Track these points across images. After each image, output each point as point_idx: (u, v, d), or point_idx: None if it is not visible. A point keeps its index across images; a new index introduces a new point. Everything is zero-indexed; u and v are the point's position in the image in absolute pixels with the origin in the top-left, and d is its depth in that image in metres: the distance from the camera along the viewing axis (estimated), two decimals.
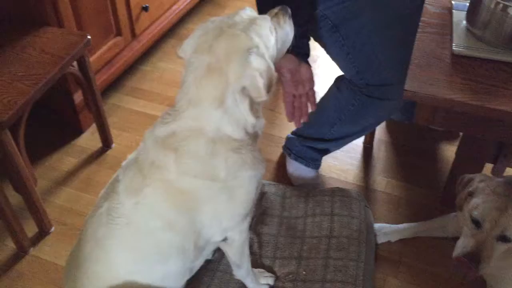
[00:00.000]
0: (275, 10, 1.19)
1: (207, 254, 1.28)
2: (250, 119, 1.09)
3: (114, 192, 1.13)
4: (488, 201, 1.21)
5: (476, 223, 1.22)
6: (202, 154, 1.07)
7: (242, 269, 1.36)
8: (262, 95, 1.04)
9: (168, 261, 1.16)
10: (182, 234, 1.14)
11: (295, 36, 1.30)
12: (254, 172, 1.15)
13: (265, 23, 1.10)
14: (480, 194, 1.24)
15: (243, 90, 1.04)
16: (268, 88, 1.06)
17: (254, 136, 1.15)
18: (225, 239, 1.24)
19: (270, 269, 1.49)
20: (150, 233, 1.12)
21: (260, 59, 1.04)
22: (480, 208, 1.21)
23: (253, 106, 1.08)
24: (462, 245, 1.24)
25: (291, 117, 1.50)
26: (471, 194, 1.27)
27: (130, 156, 1.18)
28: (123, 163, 1.19)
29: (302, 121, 1.50)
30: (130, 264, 1.14)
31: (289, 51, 1.35)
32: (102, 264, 1.13)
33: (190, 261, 1.21)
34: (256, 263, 1.50)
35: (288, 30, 1.19)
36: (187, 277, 1.26)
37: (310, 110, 1.50)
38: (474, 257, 1.20)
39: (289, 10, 1.20)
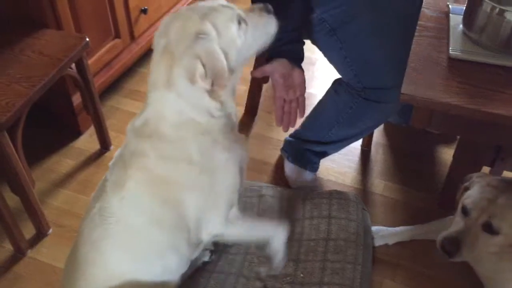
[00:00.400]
0: (254, 5, 1.18)
1: (202, 248, 1.27)
2: (209, 101, 1.08)
3: (104, 191, 1.14)
4: (480, 192, 1.23)
5: (465, 211, 1.24)
6: (172, 138, 1.09)
7: (267, 233, 1.31)
8: (194, 81, 1.03)
9: (164, 257, 1.16)
10: (171, 231, 1.14)
11: (291, 42, 1.30)
12: (229, 153, 1.15)
13: (227, 12, 1.09)
14: (475, 186, 1.27)
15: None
16: (214, 78, 1.04)
17: (227, 120, 1.15)
18: (221, 236, 1.22)
19: (267, 271, 1.49)
20: (140, 230, 1.12)
21: (206, 46, 1.03)
22: (472, 197, 1.23)
23: (212, 90, 1.07)
24: (448, 230, 1.26)
25: (280, 121, 1.50)
26: (467, 189, 1.29)
27: (116, 153, 1.20)
28: (110, 163, 1.20)
29: (290, 126, 1.50)
30: (127, 263, 1.14)
31: (282, 55, 1.35)
32: (99, 266, 1.13)
33: (187, 257, 1.21)
34: (253, 263, 1.50)
35: (263, 22, 1.16)
36: (186, 268, 1.27)
37: (298, 117, 1.50)
38: (457, 243, 1.23)
39: (269, 7, 1.18)
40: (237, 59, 1.11)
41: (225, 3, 1.13)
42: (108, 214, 1.11)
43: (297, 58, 1.45)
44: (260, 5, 1.18)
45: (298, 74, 1.44)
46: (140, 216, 1.11)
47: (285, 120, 1.49)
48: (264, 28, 1.17)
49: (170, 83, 1.06)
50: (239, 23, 1.10)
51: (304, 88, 1.47)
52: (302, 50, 1.48)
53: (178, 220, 1.13)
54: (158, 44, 1.08)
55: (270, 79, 1.60)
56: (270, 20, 1.17)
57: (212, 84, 1.05)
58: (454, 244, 1.25)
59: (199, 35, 1.03)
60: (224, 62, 1.06)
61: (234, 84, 1.16)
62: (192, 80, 1.03)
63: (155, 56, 1.09)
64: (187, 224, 1.15)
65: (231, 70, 1.10)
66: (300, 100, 1.48)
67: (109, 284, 1.13)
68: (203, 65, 1.03)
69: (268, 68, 1.44)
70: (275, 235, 1.31)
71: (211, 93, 1.07)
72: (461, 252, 1.23)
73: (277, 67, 1.41)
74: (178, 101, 1.07)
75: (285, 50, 1.41)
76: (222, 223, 1.20)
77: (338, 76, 1.61)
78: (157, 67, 1.08)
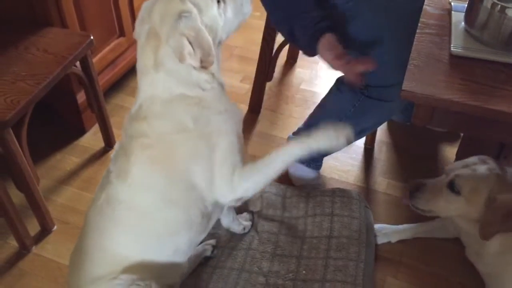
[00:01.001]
0: None
1: (215, 219, 1.30)
2: (198, 75, 1.11)
3: (109, 182, 1.16)
4: (466, 161, 1.33)
5: (444, 172, 1.37)
6: (165, 113, 1.12)
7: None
8: (183, 59, 1.06)
9: (177, 236, 1.19)
10: (185, 206, 1.16)
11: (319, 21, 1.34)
12: (224, 115, 1.17)
13: None
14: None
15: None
16: (202, 55, 1.07)
17: (217, 89, 1.17)
18: (240, 200, 1.22)
19: (270, 267, 1.49)
20: (154, 211, 1.15)
21: (190, 24, 1.06)
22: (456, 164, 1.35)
23: (201, 65, 1.10)
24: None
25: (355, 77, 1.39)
26: None
27: (116, 145, 1.22)
28: (112, 155, 1.22)
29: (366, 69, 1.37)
30: (139, 247, 1.16)
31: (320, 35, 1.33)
32: (109, 251, 1.15)
33: (200, 232, 1.24)
34: (255, 258, 1.51)
35: (239, 2, 1.18)
36: (193, 251, 1.32)
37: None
38: (422, 189, 1.35)
39: None
40: (220, 35, 1.16)
41: None
42: (117, 202, 1.14)
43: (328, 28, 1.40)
44: None
45: (335, 40, 1.38)
46: (151, 197, 1.14)
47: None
48: (241, 7, 1.19)
49: (158, 64, 1.09)
50: (218, 1, 1.13)
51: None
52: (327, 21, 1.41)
53: (190, 192, 1.16)
54: (141, 30, 1.11)
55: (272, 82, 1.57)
56: (246, 3, 1.20)
57: (200, 61, 1.08)
58: (419, 188, 1.36)
59: (182, 14, 1.06)
60: (209, 38, 1.09)
61: (219, 56, 1.19)
62: (181, 58, 1.06)
63: (140, 42, 1.12)
64: (200, 195, 1.17)
65: (216, 45, 1.14)
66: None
67: (119, 268, 1.14)
68: (190, 43, 1.06)
69: (325, 56, 1.38)
70: (298, 153, 1.22)
71: (199, 68, 1.11)
72: (422, 197, 1.35)
73: (325, 47, 1.37)
74: (166, 79, 1.11)
75: (316, 32, 1.38)
76: (229, 188, 1.18)
77: (341, 74, 1.61)
78: (143, 52, 1.11)
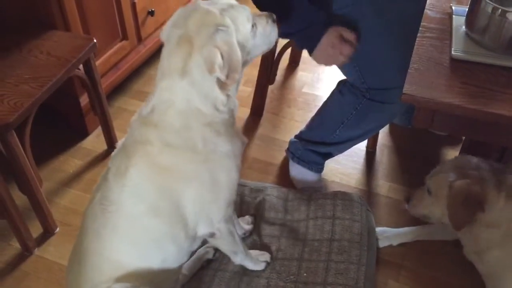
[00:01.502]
0: (262, 13, 1.23)
1: (200, 241, 1.30)
2: (218, 93, 1.11)
3: (105, 179, 1.16)
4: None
5: None
6: (178, 127, 1.11)
7: (238, 254, 1.41)
8: (213, 71, 1.06)
9: (163, 247, 1.19)
10: (168, 221, 1.16)
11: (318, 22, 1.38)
12: (231, 146, 1.18)
13: (244, 11, 1.14)
14: None
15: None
16: (229, 71, 1.07)
17: (229, 115, 1.18)
18: (212, 235, 1.26)
19: (271, 270, 1.50)
20: (139, 218, 1.14)
21: (226, 38, 1.07)
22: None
23: (222, 83, 1.10)
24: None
25: None
26: None
27: (119, 143, 1.22)
28: (112, 154, 1.22)
29: None
30: (128, 252, 1.16)
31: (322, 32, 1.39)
32: (100, 255, 1.15)
33: (185, 248, 1.24)
34: (257, 261, 1.51)
35: (269, 30, 1.21)
36: (186, 259, 1.30)
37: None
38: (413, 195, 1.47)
39: (274, 16, 1.23)
40: (246, 57, 1.16)
41: (238, 4, 1.17)
42: (108, 202, 1.14)
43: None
44: (267, 13, 1.22)
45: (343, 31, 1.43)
46: (139, 204, 1.14)
47: None
48: (269, 35, 1.22)
49: (185, 71, 1.07)
50: (252, 24, 1.15)
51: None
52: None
53: (176, 210, 1.15)
54: (172, 34, 1.10)
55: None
56: (274, 29, 1.23)
57: (227, 76, 1.08)
58: (414, 194, 1.47)
59: (220, 27, 1.06)
60: (240, 56, 1.10)
61: (239, 81, 1.19)
62: (211, 69, 1.06)
63: (168, 45, 1.11)
64: (184, 216, 1.17)
65: (243, 65, 1.15)
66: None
67: (110, 272, 1.15)
68: (222, 57, 1.06)
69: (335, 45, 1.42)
70: (250, 266, 1.46)
71: (221, 85, 1.10)
72: (412, 204, 1.46)
73: (329, 40, 1.41)
74: (188, 89, 1.09)
75: (318, 27, 1.42)
76: (221, 219, 1.23)
77: (343, 77, 1.62)
78: (170, 56, 1.10)
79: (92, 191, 1.22)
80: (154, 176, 1.13)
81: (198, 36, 1.06)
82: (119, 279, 1.14)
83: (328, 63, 1.49)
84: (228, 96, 1.14)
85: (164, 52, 1.11)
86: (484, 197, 1.27)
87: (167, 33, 1.11)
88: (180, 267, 1.30)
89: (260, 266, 1.49)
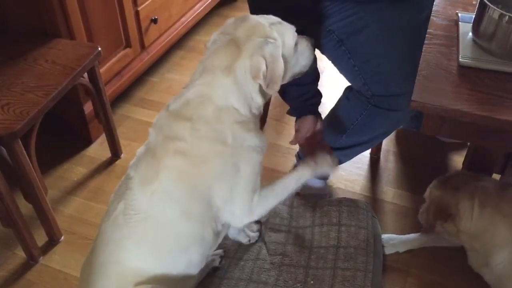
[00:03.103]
0: (302, 35, 1.27)
1: (222, 238, 1.34)
2: (256, 97, 1.17)
3: (128, 189, 1.16)
4: None
5: None
6: (210, 119, 1.14)
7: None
8: (257, 78, 1.12)
9: (189, 250, 1.20)
10: (200, 223, 1.18)
11: (315, 96, 1.51)
12: (259, 143, 1.21)
13: (291, 28, 1.21)
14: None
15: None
16: (269, 80, 1.13)
17: (256, 119, 1.22)
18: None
19: (277, 277, 1.49)
20: (169, 224, 1.15)
21: (273, 51, 1.13)
22: None
23: (262, 90, 1.16)
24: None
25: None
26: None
27: (139, 151, 1.22)
28: (131, 163, 1.22)
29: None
30: (154, 259, 1.16)
31: (308, 112, 1.53)
32: (123, 264, 1.15)
33: (209, 248, 1.25)
34: (263, 268, 1.51)
35: (308, 52, 1.28)
36: (205, 263, 1.32)
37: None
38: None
39: (313, 41, 1.29)
40: (286, 74, 1.22)
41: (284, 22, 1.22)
42: (134, 211, 1.14)
43: (317, 111, 1.57)
44: (307, 37, 1.28)
45: (320, 123, 1.58)
46: (170, 209, 1.15)
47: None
48: (307, 58, 1.28)
49: (231, 69, 1.13)
50: (296, 43, 1.22)
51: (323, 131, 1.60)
52: (320, 101, 1.59)
53: (207, 209, 1.18)
54: (220, 38, 1.16)
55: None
56: (312, 53, 1.30)
57: (268, 86, 1.14)
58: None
59: (269, 39, 1.13)
60: (283, 69, 1.16)
61: (273, 94, 1.24)
62: (255, 76, 1.13)
63: (214, 46, 1.16)
64: (215, 214, 1.19)
65: (284, 79, 1.21)
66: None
67: (133, 280, 1.14)
68: (266, 66, 1.12)
69: (301, 129, 1.57)
70: (305, 178, 1.37)
71: (262, 92, 1.17)
72: (421, 213, 1.55)
73: (305, 125, 1.55)
74: (230, 87, 1.14)
75: (309, 107, 1.55)
76: (247, 212, 1.25)
77: (348, 83, 1.62)
78: (217, 53, 1.15)
79: (110, 202, 1.21)
80: (185, 177, 1.14)
81: (247, 43, 1.13)
82: (138, 284, 1.14)
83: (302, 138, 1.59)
84: (262, 102, 1.20)
85: (208, 52, 1.17)
86: (456, 208, 1.39)
87: (214, 39, 1.17)
88: (199, 273, 1.31)
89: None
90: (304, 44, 1.26)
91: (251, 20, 1.16)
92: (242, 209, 1.24)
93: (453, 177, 1.48)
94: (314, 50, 1.31)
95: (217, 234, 1.24)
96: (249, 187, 1.22)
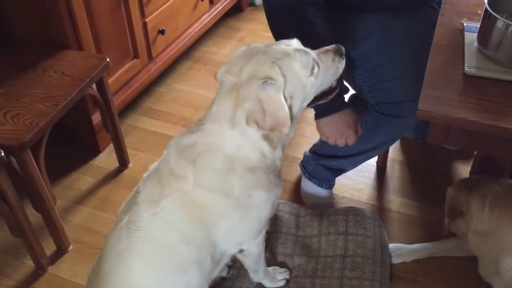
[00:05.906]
0: (328, 47, 1.19)
1: (223, 264, 1.32)
2: (262, 145, 1.12)
3: (135, 203, 1.17)
4: None
5: None
6: (219, 169, 1.12)
7: (258, 273, 1.44)
8: (249, 124, 1.06)
9: (187, 273, 1.18)
10: (198, 248, 1.17)
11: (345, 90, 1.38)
12: (268, 193, 1.18)
13: (301, 57, 1.10)
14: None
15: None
16: (272, 125, 1.06)
17: (273, 163, 1.18)
18: (241, 251, 1.29)
19: (285, 287, 1.49)
20: (168, 245, 1.15)
21: (271, 93, 1.04)
22: None
23: (266, 135, 1.11)
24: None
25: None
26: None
27: (152, 166, 1.22)
28: (145, 175, 1.22)
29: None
30: (152, 277, 1.16)
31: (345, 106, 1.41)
32: (123, 278, 1.15)
33: (208, 272, 1.24)
34: (275, 280, 1.51)
35: (333, 69, 1.18)
36: (207, 286, 1.30)
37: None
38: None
39: (343, 49, 1.19)
40: (302, 104, 1.14)
41: (300, 46, 1.14)
42: (135, 227, 1.14)
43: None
44: (334, 47, 1.18)
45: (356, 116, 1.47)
46: (170, 233, 1.14)
47: None
48: (334, 73, 1.19)
49: (235, 122, 1.08)
50: (312, 67, 1.12)
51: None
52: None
53: (207, 238, 1.17)
54: (227, 80, 1.10)
55: None
56: (341, 64, 1.19)
57: (273, 130, 1.07)
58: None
59: (266, 81, 1.04)
60: (287, 110, 1.06)
61: (291, 133, 1.18)
62: (247, 122, 1.06)
63: (221, 91, 1.11)
64: (214, 242, 1.19)
65: (294, 117, 1.13)
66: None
67: None
68: (264, 110, 1.04)
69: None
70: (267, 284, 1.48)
71: (266, 137, 1.11)
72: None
73: (346, 119, 1.44)
74: (239, 138, 1.10)
75: (343, 101, 1.44)
76: (250, 244, 1.28)
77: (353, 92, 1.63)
78: (221, 102, 1.10)
79: (119, 212, 1.22)
80: (187, 210, 1.13)
81: (245, 89, 1.06)
82: None
83: (332, 136, 1.48)
84: (274, 147, 1.14)
85: (217, 96, 1.12)
86: (467, 207, 1.41)
87: (221, 77, 1.12)
88: None
89: (277, 284, 1.49)
90: (328, 61, 1.16)
91: (256, 57, 1.09)
92: (239, 247, 1.27)
93: (472, 179, 1.49)
94: (344, 59, 1.19)
95: (216, 261, 1.23)
96: (250, 232, 1.24)
